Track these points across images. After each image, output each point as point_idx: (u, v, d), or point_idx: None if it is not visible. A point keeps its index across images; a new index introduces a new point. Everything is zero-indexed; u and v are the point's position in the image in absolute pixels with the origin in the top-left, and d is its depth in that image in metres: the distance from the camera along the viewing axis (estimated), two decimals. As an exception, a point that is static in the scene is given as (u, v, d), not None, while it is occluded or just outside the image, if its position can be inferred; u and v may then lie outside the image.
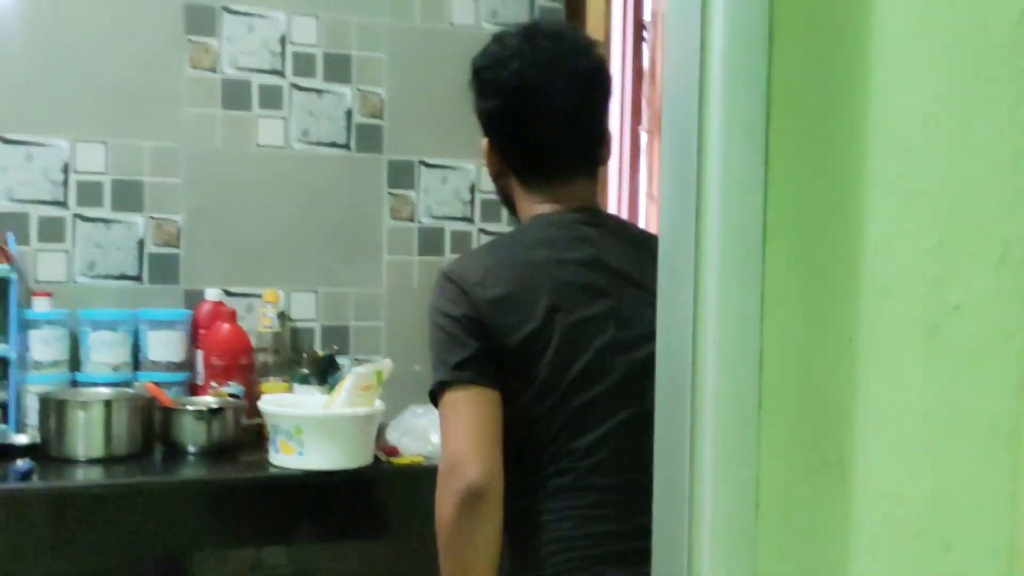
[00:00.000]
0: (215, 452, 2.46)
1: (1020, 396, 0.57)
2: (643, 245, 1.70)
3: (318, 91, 2.92)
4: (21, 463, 2.28)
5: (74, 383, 2.61)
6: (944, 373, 0.61)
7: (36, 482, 2.26)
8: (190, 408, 2.50)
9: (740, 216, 0.70)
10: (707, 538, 0.73)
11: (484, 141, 1.76)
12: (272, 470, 2.37)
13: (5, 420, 2.52)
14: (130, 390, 2.56)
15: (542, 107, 1.68)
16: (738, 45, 0.70)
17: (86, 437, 2.39)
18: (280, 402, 2.47)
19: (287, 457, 2.34)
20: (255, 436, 2.57)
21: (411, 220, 3.01)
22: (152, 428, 2.50)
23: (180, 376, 2.69)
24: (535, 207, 1.72)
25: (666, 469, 0.79)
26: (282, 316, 2.85)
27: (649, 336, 0.90)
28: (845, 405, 0.68)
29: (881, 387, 0.66)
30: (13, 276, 2.53)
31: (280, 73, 2.90)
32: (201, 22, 2.83)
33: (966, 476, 0.60)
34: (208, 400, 2.58)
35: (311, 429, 2.32)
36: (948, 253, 0.61)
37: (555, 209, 1.70)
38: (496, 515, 1.54)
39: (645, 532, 0.85)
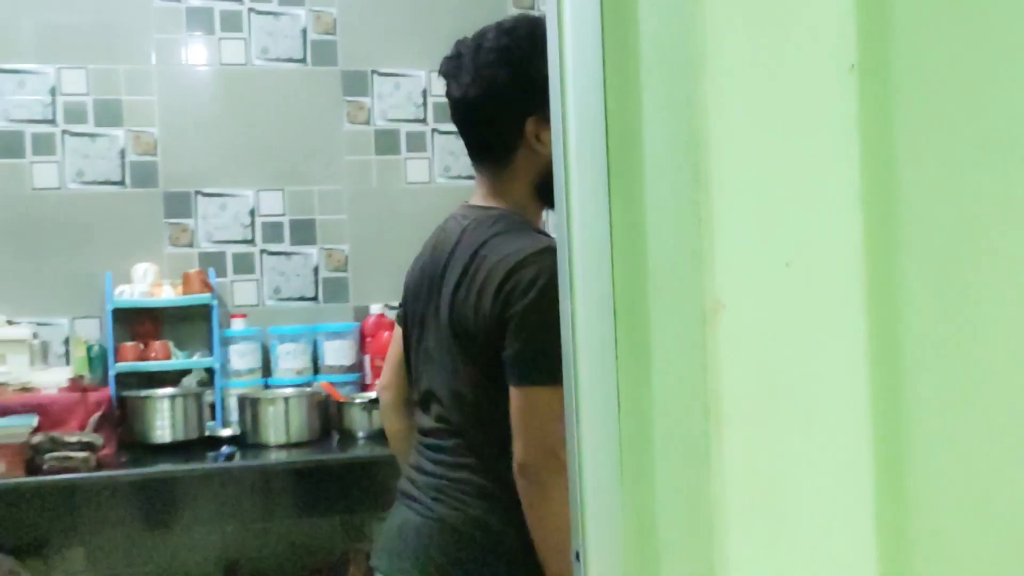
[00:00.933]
0: (378, 436, 2.99)
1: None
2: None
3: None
4: (226, 448, 2.88)
5: (266, 386, 3.21)
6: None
7: (238, 462, 2.86)
8: (357, 401, 3.04)
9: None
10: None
11: None
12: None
13: (213, 417, 3.13)
14: (309, 389, 3.13)
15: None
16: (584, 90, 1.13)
17: (275, 427, 2.97)
18: (427, 391, 2.98)
19: (434, 436, 2.85)
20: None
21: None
22: (328, 419, 3.06)
23: (351, 377, 3.25)
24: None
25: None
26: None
27: None
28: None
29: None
30: (214, 303, 3.15)
31: (423, 121, 3.46)
32: (355, 85, 3.42)
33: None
34: (372, 395, 3.12)
35: (451, 411, 2.82)
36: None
37: None
38: None
39: None
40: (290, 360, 3.22)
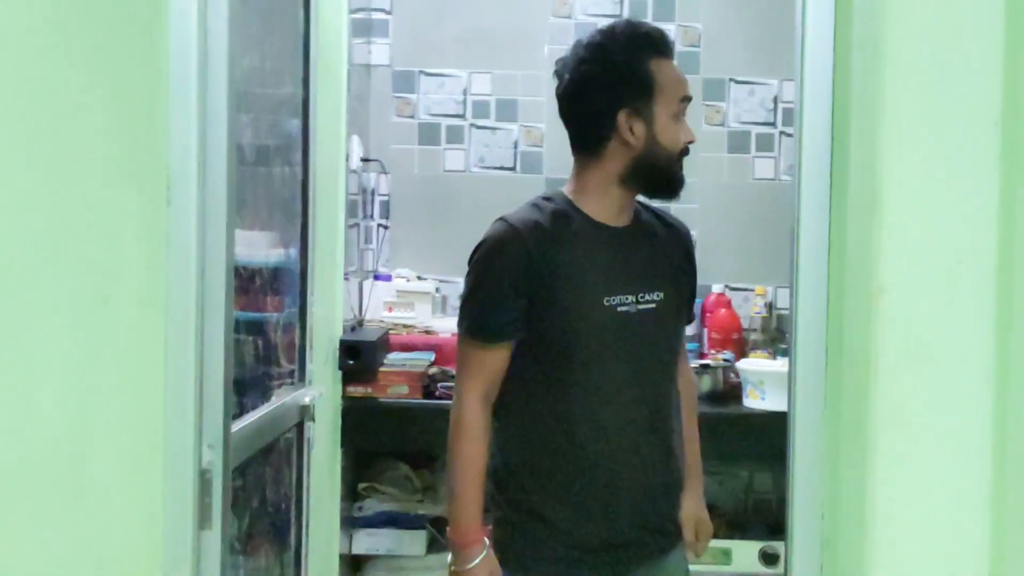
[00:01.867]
0: (710, 397, 3.44)
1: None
2: None
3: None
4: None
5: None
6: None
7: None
8: (694, 366, 3.51)
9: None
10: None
11: None
12: (744, 410, 3.31)
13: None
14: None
15: None
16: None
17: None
18: (750, 363, 3.40)
19: (754, 401, 3.27)
20: (736, 388, 3.51)
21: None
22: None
23: (691, 346, 3.72)
24: None
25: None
26: (769, 306, 3.77)
27: None
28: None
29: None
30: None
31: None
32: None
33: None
34: (708, 362, 3.57)
35: (770, 381, 3.23)
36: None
37: None
38: None
39: None
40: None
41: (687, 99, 2.01)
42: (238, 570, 1.91)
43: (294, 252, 2.36)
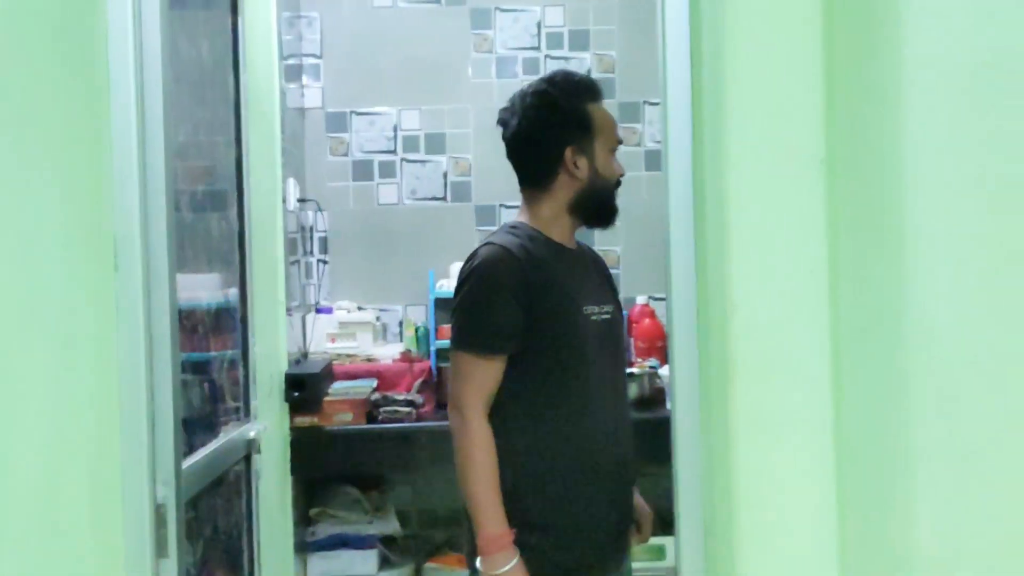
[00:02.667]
0: (638, 403, 3.66)
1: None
2: None
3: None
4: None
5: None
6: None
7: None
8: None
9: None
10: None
11: None
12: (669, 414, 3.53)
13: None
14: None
15: None
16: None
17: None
18: (674, 370, 3.63)
19: (678, 406, 3.49)
20: (661, 393, 3.74)
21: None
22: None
23: (619, 357, 3.95)
24: None
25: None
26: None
27: None
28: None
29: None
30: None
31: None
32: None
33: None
34: (634, 370, 3.80)
35: (691, 386, 3.45)
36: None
37: None
38: None
39: None
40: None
41: (620, 141, 2.27)
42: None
43: (234, 294, 2.54)
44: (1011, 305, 1.15)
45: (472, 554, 2.10)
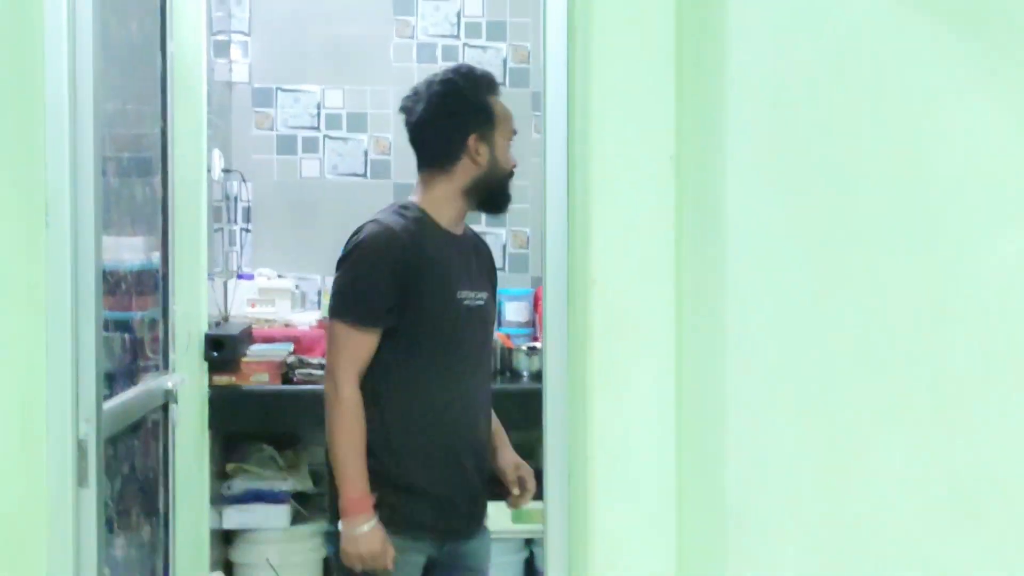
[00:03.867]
0: (538, 376, 3.90)
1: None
2: None
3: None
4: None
5: (461, 334, 4.20)
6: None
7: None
8: (523, 348, 3.98)
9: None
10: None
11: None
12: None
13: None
14: (490, 337, 4.10)
15: None
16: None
17: (462, 364, 3.95)
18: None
19: (575, 377, 3.75)
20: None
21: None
22: (501, 360, 4.01)
23: (525, 331, 4.19)
24: None
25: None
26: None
27: None
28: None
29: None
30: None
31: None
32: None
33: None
34: (536, 345, 4.04)
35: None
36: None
37: None
38: None
39: None
40: (479, 315, 4.22)
41: (515, 132, 2.46)
42: (112, 524, 2.29)
43: (157, 256, 2.73)
44: (801, 277, 1.41)
45: (334, 515, 2.29)
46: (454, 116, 2.37)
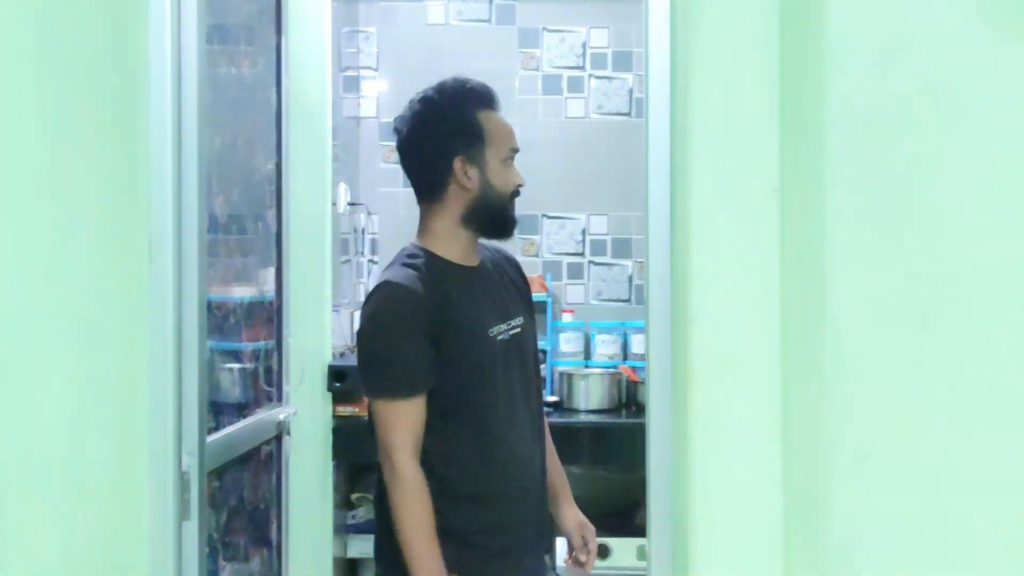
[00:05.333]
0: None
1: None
2: None
3: None
4: (547, 409, 3.84)
5: (586, 366, 4.15)
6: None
7: (557, 419, 3.81)
8: (649, 382, 3.90)
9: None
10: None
11: None
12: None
13: (546, 386, 4.12)
14: (613, 370, 4.03)
15: None
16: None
17: (585, 397, 3.89)
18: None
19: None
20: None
21: None
22: (625, 394, 3.95)
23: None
24: None
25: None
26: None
27: None
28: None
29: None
30: (549, 300, 4.13)
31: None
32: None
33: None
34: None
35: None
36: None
37: None
38: None
39: None
40: (604, 348, 4.15)
41: (515, 150, 2.19)
42: (217, 557, 2.31)
43: (270, 289, 2.77)
44: (905, 314, 1.31)
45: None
46: (436, 139, 2.14)
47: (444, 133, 2.13)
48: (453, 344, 2.07)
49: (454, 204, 2.14)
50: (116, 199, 1.80)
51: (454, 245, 2.16)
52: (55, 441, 1.59)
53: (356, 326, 4.04)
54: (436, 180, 2.14)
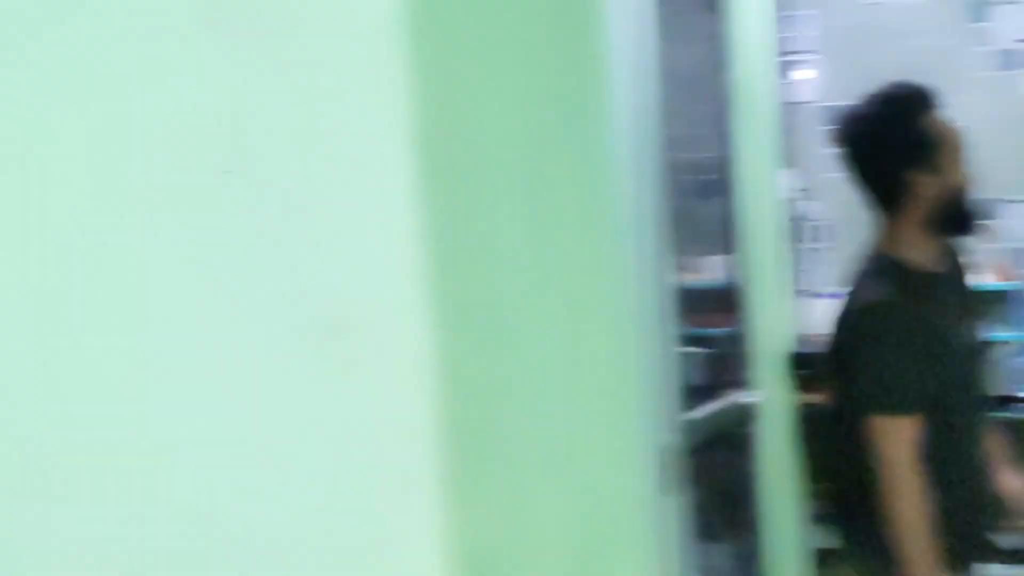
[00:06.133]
0: None
1: None
2: None
3: None
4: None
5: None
6: None
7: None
8: None
9: None
10: None
11: None
12: None
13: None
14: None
15: None
16: None
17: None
18: None
19: None
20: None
21: None
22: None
23: None
24: None
25: None
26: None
27: None
28: None
29: None
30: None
31: None
32: None
33: None
34: None
35: None
36: None
37: None
38: None
39: None
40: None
41: (960, 147, 2.17)
42: (696, 533, 2.37)
43: (720, 277, 2.80)
44: None
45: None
46: (880, 156, 2.16)
47: (892, 148, 2.13)
48: (934, 359, 2.10)
49: (914, 215, 2.16)
50: (582, 191, 1.90)
51: (922, 255, 2.19)
52: (553, 421, 1.70)
53: (807, 311, 4.00)
54: (891, 193, 2.16)
